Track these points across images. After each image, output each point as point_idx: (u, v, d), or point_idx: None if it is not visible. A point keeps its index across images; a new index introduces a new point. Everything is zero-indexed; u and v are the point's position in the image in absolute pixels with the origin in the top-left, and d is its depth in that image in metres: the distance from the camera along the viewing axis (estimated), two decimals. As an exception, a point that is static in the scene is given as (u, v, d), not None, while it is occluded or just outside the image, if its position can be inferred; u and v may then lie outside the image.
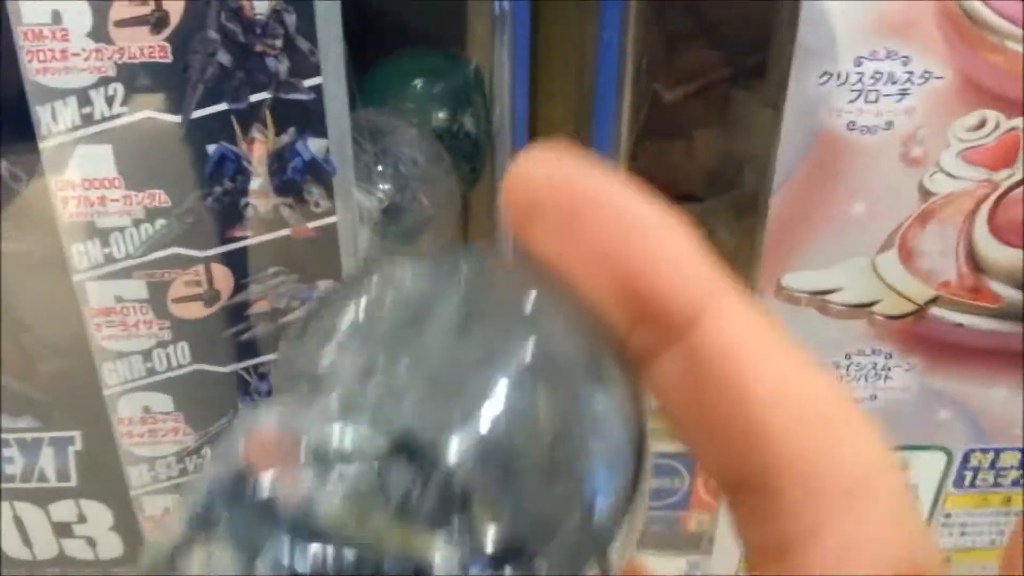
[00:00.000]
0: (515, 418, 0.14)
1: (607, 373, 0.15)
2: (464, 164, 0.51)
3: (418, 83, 0.51)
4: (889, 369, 0.44)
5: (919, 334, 0.43)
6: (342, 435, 0.14)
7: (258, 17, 0.33)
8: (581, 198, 0.16)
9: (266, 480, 0.14)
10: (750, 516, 0.15)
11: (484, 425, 0.14)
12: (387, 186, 0.47)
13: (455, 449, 0.14)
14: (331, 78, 0.35)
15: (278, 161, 0.36)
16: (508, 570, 0.14)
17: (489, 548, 0.14)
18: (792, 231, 0.40)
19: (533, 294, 0.16)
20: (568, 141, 0.17)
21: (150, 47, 0.33)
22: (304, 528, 0.14)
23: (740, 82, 0.52)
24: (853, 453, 0.14)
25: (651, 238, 0.15)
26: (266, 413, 0.15)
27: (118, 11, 0.33)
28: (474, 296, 0.16)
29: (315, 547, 0.13)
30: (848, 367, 0.44)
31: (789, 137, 0.38)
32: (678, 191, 0.49)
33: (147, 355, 0.39)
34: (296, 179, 0.37)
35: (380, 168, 0.46)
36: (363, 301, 0.16)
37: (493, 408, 0.14)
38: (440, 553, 0.14)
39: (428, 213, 0.48)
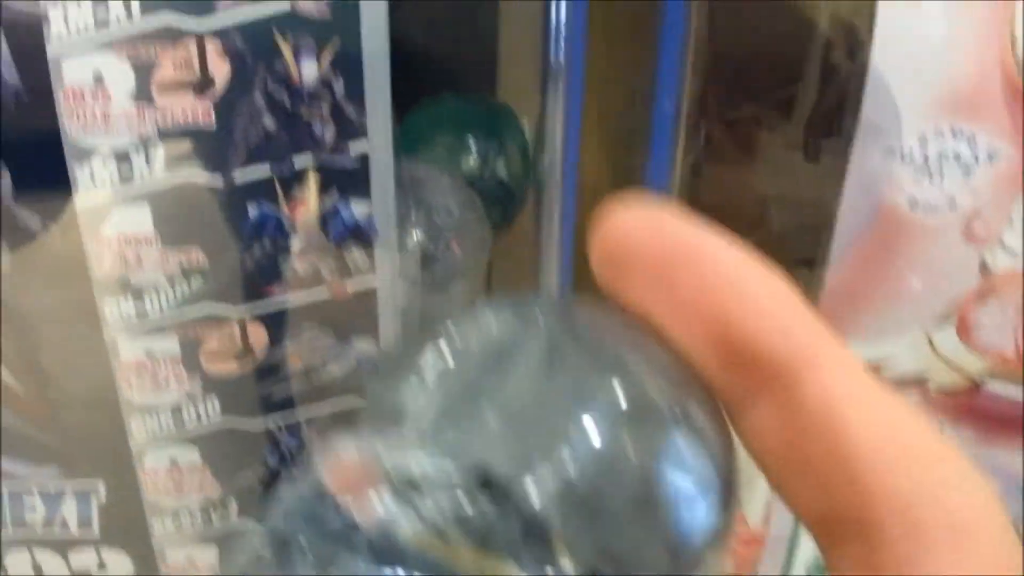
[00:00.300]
0: (598, 458, 0.15)
1: (693, 416, 0.16)
2: (495, 210, 0.50)
3: (450, 130, 0.50)
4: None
5: (973, 407, 0.42)
6: (424, 464, 0.15)
7: (305, 83, 0.32)
8: (677, 251, 0.16)
9: (346, 504, 0.14)
10: (846, 555, 0.15)
11: (567, 463, 0.14)
12: (420, 236, 0.45)
13: (537, 486, 0.14)
14: (378, 144, 0.34)
15: (320, 223, 0.35)
16: None
17: None
18: (848, 302, 0.39)
19: (618, 337, 0.16)
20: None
21: (194, 110, 0.32)
22: (382, 552, 0.14)
23: (763, 122, 0.50)
24: (959, 493, 0.14)
25: (751, 291, 0.15)
26: (349, 441, 0.15)
27: (162, 74, 0.32)
28: (558, 338, 0.16)
29: (392, 571, 0.14)
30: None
31: (849, 210, 0.37)
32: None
33: (176, 409, 0.38)
34: (337, 241, 0.36)
35: (413, 218, 0.45)
36: (448, 342, 0.17)
37: (576, 447, 0.15)
38: None
39: (460, 261, 0.47)
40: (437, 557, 0.14)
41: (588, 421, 0.15)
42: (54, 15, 0.31)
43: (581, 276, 0.41)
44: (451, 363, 0.16)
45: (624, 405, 0.15)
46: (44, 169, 0.33)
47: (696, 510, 0.15)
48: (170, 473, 0.40)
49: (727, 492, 0.16)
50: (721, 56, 0.43)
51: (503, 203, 0.50)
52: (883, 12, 0.33)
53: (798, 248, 0.45)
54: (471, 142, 0.49)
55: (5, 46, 0.31)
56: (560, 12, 0.35)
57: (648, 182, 0.41)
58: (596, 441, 0.15)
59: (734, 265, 0.16)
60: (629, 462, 0.15)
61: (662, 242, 0.16)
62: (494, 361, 0.16)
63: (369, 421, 0.16)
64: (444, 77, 0.52)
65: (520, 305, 0.18)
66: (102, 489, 0.40)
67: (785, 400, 0.15)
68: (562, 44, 0.35)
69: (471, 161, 0.50)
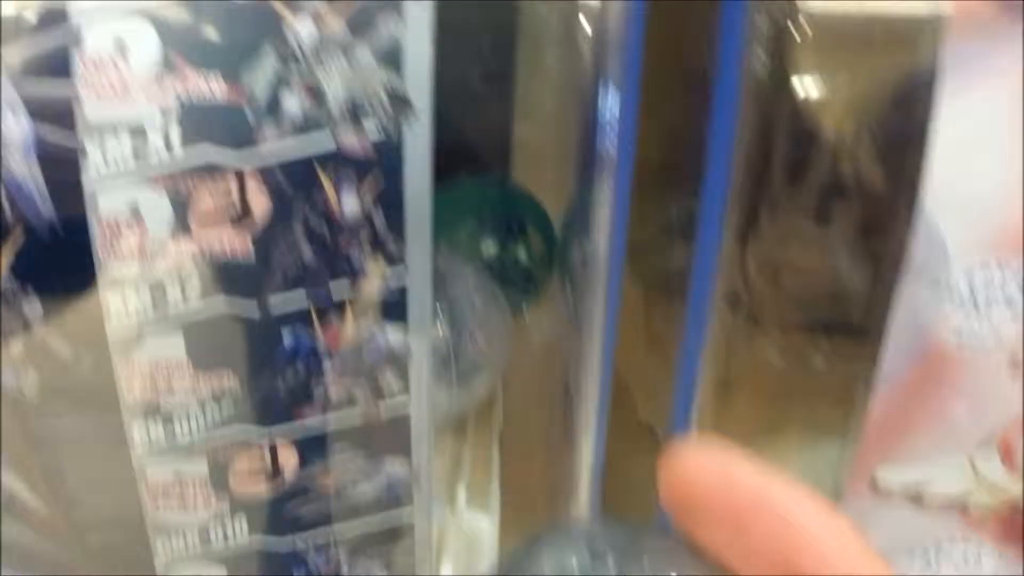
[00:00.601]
0: None
1: None
2: (515, 296, 0.49)
3: (469, 215, 0.49)
4: (981, 558, 0.42)
5: (1015, 528, 0.41)
6: None
7: (346, 215, 0.32)
8: (747, 499, 0.17)
9: None
10: None
11: None
12: (444, 330, 0.45)
13: None
14: (416, 273, 0.33)
15: (355, 348, 0.34)
16: None
17: None
18: (890, 430, 0.38)
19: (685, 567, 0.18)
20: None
21: (231, 242, 0.32)
22: None
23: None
24: None
25: (817, 537, 0.17)
26: None
27: (199, 206, 0.31)
28: (629, 568, 0.17)
29: None
30: (938, 555, 0.42)
31: (895, 342, 0.36)
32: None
33: (203, 529, 0.38)
34: (372, 365, 0.35)
35: (438, 312, 0.44)
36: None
37: None
38: None
39: (484, 356, 0.46)
40: None
41: None
42: (92, 148, 0.30)
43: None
44: None
45: None
46: (76, 298, 0.32)
47: None
48: (195, 591, 0.39)
49: None
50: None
51: (523, 289, 0.49)
52: (938, 156, 0.32)
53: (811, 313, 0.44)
54: (490, 226, 0.48)
55: (41, 178, 0.30)
56: (611, 103, 0.34)
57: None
58: None
59: (801, 513, 0.17)
60: None
61: (733, 490, 0.18)
62: None
63: None
64: (456, 157, 0.51)
65: (590, 539, 0.19)
66: (125, 606, 0.39)
67: None
68: (613, 135, 0.34)
69: (490, 246, 0.49)
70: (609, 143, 0.34)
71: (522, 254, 0.49)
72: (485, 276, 0.48)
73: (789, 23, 0.38)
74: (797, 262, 0.44)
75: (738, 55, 0.34)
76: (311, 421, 0.36)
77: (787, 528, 0.17)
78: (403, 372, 0.36)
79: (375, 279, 0.33)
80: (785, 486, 0.18)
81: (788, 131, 0.41)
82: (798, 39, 0.38)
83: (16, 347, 0.33)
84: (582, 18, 0.38)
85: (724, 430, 0.46)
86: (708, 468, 0.18)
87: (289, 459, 0.37)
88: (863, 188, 0.42)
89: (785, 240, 0.46)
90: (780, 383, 0.48)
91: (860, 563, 0.17)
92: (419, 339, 0.35)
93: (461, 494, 0.50)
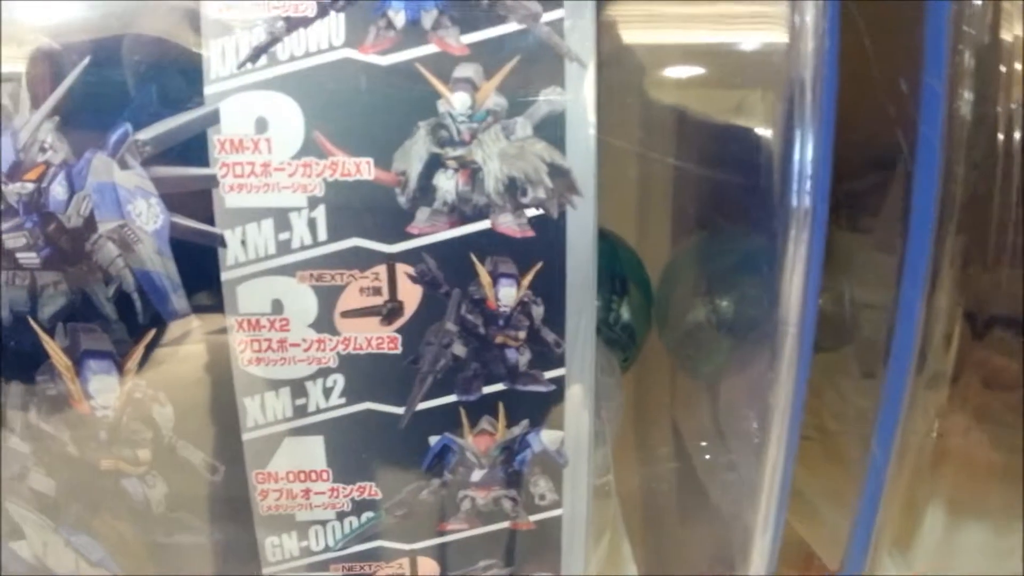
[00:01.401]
0: None
1: None
2: (618, 355, 0.45)
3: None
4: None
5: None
6: None
7: (502, 309, 0.28)
8: None
9: None
10: None
11: None
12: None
13: None
14: (576, 372, 0.29)
15: (505, 453, 0.31)
16: None
17: None
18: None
19: None
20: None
21: (379, 338, 0.28)
22: None
23: (840, 217, 0.44)
24: None
25: None
26: None
27: (347, 301, 0.28)
28: None
29: None
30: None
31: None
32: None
33: (336, 650, 0.33)
34: (523, 472, 0.31)
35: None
36: None
37: None
38: None
39: (603, 430, 0.42)
40: None
41: None
42: (231, 238, 0.27)
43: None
44: None
45: None
46: (212, 404, 0.29)
47: None
48: None
49: None
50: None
51: (626, 347, 0.45)
52: None
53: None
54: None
55: (176, 272, 0.27)
56: (805, 152, 0.30)
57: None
58: None
59: None
60: None
61: None
62: None
63: None
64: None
65: None
66: None
67: None
68: (807, 187, 0.30)
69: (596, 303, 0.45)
70: (804, 195, 0.29)
71: (626, 312, 0.45)
72: (602, 347, 0.44)
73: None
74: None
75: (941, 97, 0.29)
76: (457, 534, 0.32)
77: None
78: (557, 480, 0.31)
79: (532, 378, 0.29)
80: None
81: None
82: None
83: (144, 455, 0.30)
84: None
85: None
86: None
87: (429, 571, 0.33)
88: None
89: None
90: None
91: None
92: (577, 443, 0.31)
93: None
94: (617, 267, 0.46)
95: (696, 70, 0.40)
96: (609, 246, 0.45)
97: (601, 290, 0.44)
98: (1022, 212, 0.36)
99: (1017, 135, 0.33)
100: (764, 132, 0.33)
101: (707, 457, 0.45)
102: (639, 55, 0.39)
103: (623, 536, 0.42)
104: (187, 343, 0.29)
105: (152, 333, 0.28)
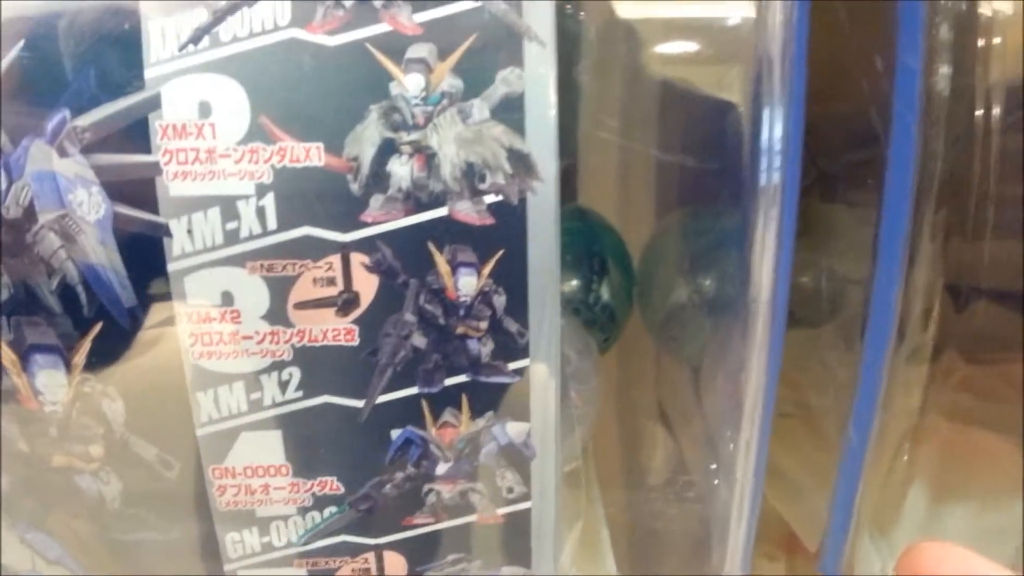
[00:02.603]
0: None
1: None
2: (598, 336, 0.43)
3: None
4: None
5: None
6: None
7: (462, 299, 0.26)
8: None
9: None
10: None
11: None
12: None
13: None
14: (540, 362, 0.27)
15: (470, 446, 0.29)
16: None
17: None
18: None
19: None
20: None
21: (335, 330, 0.27)
22: None
23: (823, 191, 0.42)
24: None
25: None
26: None
27: (300, 292, 0.26)
28: None
29: None
30: None
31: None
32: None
33: (302, 646, 0.32)
34: (489, 464, 0.29)
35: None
36: None
37: None
38: None
39: (579, 412, 0.40)
40: None
41: None
42: (176, 228, 0.25)
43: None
44: None
45: None
46: (164, 398, 0.27)
47: None
48: None
49: None
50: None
51: (605, 328, 0.43)
52: None
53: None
54: (572, 262, 0.43)
55: (120, 263, 0.25)
56: (774, 129, 0.28)
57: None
58: None
59: None
60: None
61: None
62: None
63: None
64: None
65: None
66: None
67: None
68: (776, 163, 0.28)
69: (572, 283, 0.43)
70: (772, 172, 0.27)
71: (605, 292, 0.43)
72: (575, 323, 0.42)
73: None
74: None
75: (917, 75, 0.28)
76: (422, 528, 0.30)
77: None
78: (524, 472, 0.30)
79: (495, 369, 0.28)
80: None
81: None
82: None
83: (96, 451, 0.28)
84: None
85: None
86: (948, 566, 0.18)
87: (397, 569, 0.31)
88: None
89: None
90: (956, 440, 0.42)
91: None
92: (544, 435, 0.29)
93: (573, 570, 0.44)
94: (597, 247, 0.44)
95: (671, 46, 0.38)
96: (588, 226, 0.44)
97: (580, 270, 0.42)
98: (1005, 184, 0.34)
99: (996, 109, 0.32)
100: (739, 109, 0.32)
101: (691, 438, 0.44)
102: (613, 32, 0.37)
103: (601, 521, 0.41)
104: (135, 336, 0.27)
105: (99, 326, 0.27)
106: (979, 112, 0.33)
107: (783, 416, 0.37)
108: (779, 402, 0.33)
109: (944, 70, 0.31)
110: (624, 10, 0.37)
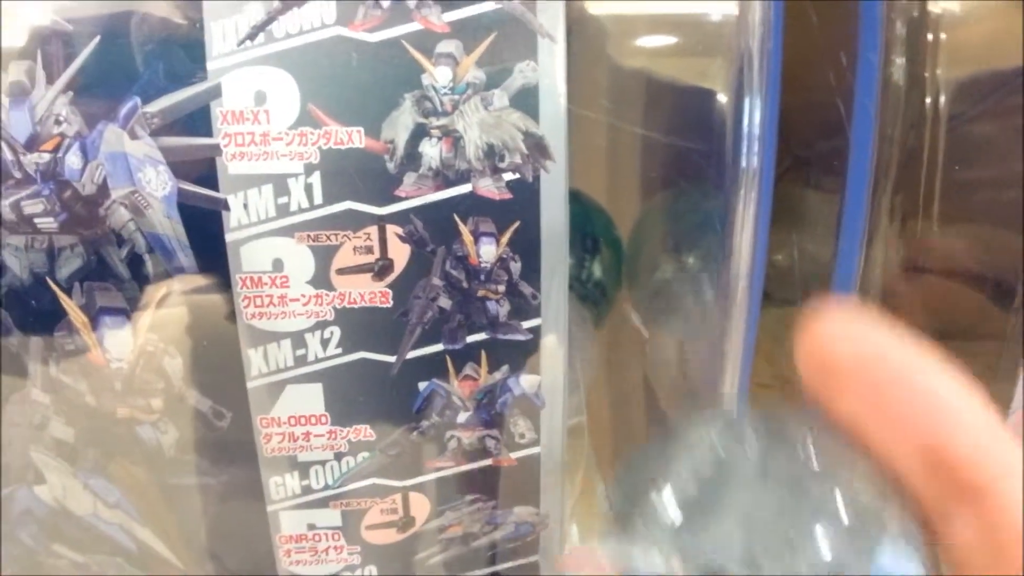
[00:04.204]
0: (822, 566, 0.16)
1: (899, 526, 0.16)
2: (591, 311, 0.46)
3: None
4: None
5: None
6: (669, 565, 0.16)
7: (483, 265, 0.29)
8: (885, 369, 0.16)
9: None
10: None
11: (795, 567, 0.15)
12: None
13: None
14: (551, 321, 0.31)
15: (488, 396, 0.32)
16: None
17: None
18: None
19: (829, 452, 0.17)
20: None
21: (371, 293, 0.29)
22: None
23: (798, 177, 0.45)
24: None
25: (954, 408, 0.16)
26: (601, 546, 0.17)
27: (342, 260, 0.29)
28: (774, 454, 0.17)
29: None
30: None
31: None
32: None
33: (335, 579, 0.35)
34: (504, 413, 0.32)
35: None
36: (684, 453, 0.18)
37: (803, 555, 0.15)
38: None
39: (577, 380, 0.43)
40: None
41: (814, 527, 0.16)
42: (234, 203, 0.28)
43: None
44: (686, 480, 0.17)
45: (845, 519, 0.16)
46: (219, 355, 0.30)
47: None
48: (325, 642, 0.37)
49: None
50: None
51: (597, 304, 0.46)
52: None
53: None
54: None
55: (184, 234, 0.28)
56: (753, 117, 0.31)
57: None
58: (823, 552, 0.16)
59: (938, 383, 0.16)
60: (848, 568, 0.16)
61: (871, 359, 0.17)
62: (722, 478, 0.17)
63: (620, 518, 0.18)
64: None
65: (736, 424, 0.19)
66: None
67: (982, 510, 0.15)
68: (755, 149, 0.31)
69: (569, 261, 0.46)
70: (752, 156, 0.31)
71: (598, 269, 0.46)
72: (571, 298, 0.45)
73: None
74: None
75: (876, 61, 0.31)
76: (444, 471, 0.33)
77: (926, 400, 0.16)
78: (535, 421, 0.33)
79: (511, 327, 0.31)
80: (920, 355, 0.17)
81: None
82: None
83: (156, 403, 0.31)
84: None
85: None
86: (850, 336, 0.17)
87: (421, 507, 0.34)
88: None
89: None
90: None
91: (989, 435, 0.16)
92: (553, 387, 0.32)
93: (573, 528, 0.47)
94: (589, 227, 0.47)
95: (658, 39, 0.41)
96: (582, 207, 0.46)
97: (574, 249, 0.45)
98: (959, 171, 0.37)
99: (943, 99, 0.35)
100: (721, 98, 0.35)
101: (675, 406, 0.47)
102: (603, 24, 0.40)
103: (597, 477, 0.44)
104: (195, 300, 0.30)
105: (163, 291, 0.29)
106: (928, 100, 0.36)
107: (761, 387, 0.40)
108: (757, 374, 0.36)
109: (900, 61, 0.34)
110: (614, 7, 0.40)
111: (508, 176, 0.29)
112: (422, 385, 0.32)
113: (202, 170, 0.28)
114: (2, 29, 0.27)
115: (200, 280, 0.29)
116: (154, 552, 0.35)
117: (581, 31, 0.38)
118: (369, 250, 0.29)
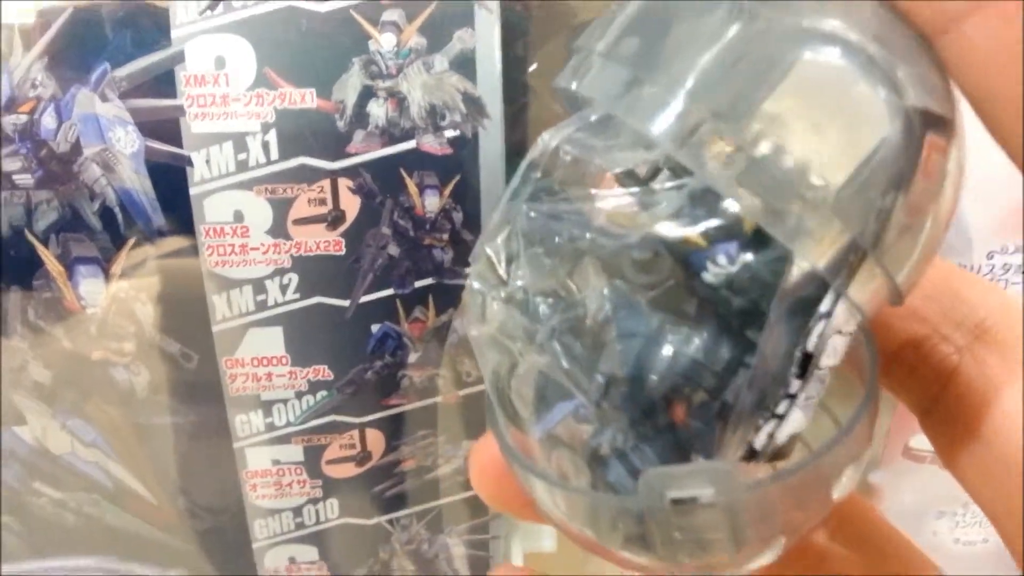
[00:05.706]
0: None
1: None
2: None
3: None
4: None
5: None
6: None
7: (428, 215, 0.32)
8: None
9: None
10: None
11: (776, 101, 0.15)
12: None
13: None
14: (493, 265, 0.33)
15: (436, 337, 0.34)
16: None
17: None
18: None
19: None
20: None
21: (326, 242, 0.32)
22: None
23: None
24: None
25: None
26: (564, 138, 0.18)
27: (297, 211, 0.31)
28: None
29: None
30: (964, 514, 0.42)
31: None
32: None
33: (297, 511, 0.38)
34: (451, 353, 0.35)
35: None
36: None
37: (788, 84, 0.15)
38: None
39: None
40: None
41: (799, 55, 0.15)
42: (197, 159, 0.30)
43: None
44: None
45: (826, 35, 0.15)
46: (186, 301, 0.33)
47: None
48: (288, 570, 0.39)
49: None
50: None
51: None
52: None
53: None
54: None
55: (151, 188, 0.31)
56: None
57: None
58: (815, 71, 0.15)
59: None
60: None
61: None
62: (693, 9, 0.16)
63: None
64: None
65: None
66: (226, 587, 0.39)
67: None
68: None
69: None
70: None
71: None
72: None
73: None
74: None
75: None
76: (397, 408, 0.36)
77: None
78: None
79: (455, 273, 0.33)
80: None
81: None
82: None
83: (129, 347, 0.33)
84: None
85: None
86: None
87: (377, 442, 0.37)
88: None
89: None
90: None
91: None
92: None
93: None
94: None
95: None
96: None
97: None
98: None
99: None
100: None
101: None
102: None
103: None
104: (163, 249, 0.32)
105: (132, 241, 0.32)
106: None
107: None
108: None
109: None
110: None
111: (449, 133, 0.31)
112: (375, 327, 0.34)
113: (167, 129, 0.30)
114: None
115: (167, 230, 0.32)
116: (129, 488, 0.38)
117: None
118: (323, 202, 0.31)
